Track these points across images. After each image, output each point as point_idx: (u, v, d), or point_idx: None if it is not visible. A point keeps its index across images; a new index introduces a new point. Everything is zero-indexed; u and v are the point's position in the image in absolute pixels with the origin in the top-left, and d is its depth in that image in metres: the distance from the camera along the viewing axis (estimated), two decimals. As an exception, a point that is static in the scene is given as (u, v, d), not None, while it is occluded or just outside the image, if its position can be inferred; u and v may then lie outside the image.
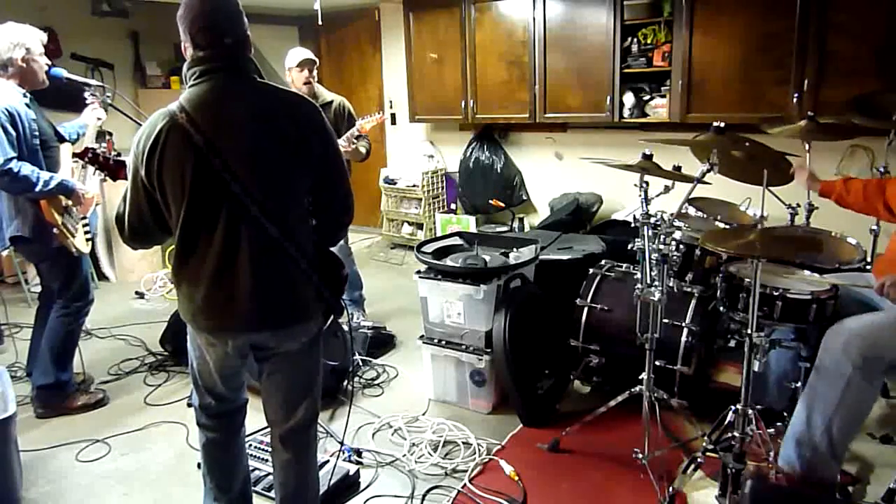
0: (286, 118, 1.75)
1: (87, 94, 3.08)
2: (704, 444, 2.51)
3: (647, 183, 2.58)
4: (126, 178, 2.19)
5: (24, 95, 2.83)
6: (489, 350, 2.99)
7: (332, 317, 1.99)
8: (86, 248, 3.07)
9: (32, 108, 2.86)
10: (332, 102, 3.83)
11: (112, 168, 2.33)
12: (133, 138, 1.76)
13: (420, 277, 3.19)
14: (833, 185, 2.72)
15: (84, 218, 3.07)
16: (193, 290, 1.78)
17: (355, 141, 3.71)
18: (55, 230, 2.88)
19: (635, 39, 4.56)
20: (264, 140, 1.73)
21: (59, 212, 2.90)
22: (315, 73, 3.77)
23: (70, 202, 2.98)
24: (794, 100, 3.97)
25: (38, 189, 2.77)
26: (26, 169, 2.73)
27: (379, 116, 3.81)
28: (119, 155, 2.39)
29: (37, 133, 2.84)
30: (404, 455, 2.74)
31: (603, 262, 3.31)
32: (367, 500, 2.49)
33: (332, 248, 1.99)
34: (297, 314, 1.85)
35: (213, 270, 1.74)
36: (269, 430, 2.07)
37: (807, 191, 2.89)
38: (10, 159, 2.67)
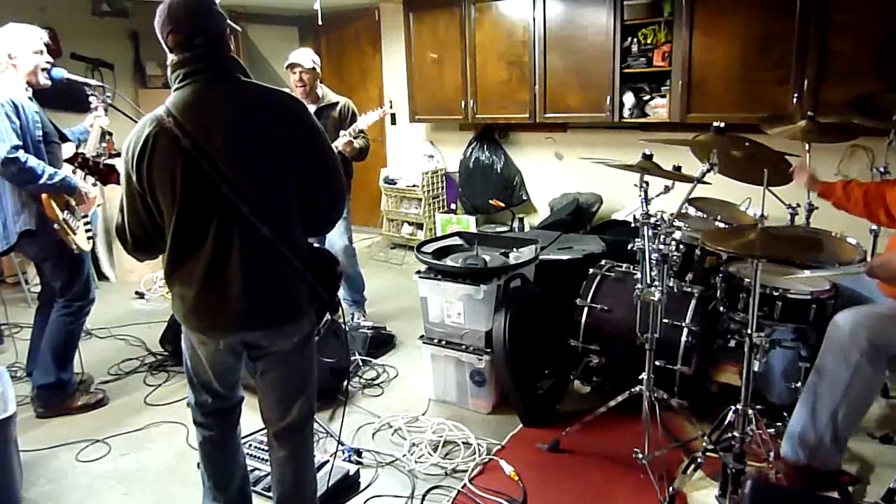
0: (271, 116, 1.75)
1: (91, 100, 3.08)
2: (704, 444, 2.51)
3: (647, 183, 2.58)
4: (116, 182, 2.19)
5: (27, 90, 2.85)
6: (489, 350, 2.99)
7: (326, 315, 1.98)
8: (87, 246, 3.07)
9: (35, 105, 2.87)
10: (337, 104, 3.83)
11: (102, 172, 2.33)
12: (123, 145, 1.77)
13: (420, 277, 3.19)
14: (833, 188, 2.71)
15: (85, 216, 3.08)
16: (185, 290, 1.78)
17: (353, 139, 3.68)
18: (55, 226, 2.89)
19: (635, 39, 4.56)
20: (251, 140, 1.72)
21: (61, 208, 2.92)
22: (308, 75, 3.74)
23: (73, 200, 2.99)
24: (794, 100, 3.97)
25: (41, 182, 2.78)
26: (33, 161, 2.75)
27: (380, 111, 3.80)
28: (117, 155, 2.39)
29: (39, 126, 2.86)
30: (404, 455, 2.74)
31: (603, 262, 3.31)
32: (367, 500, 2.49)
33: (336, 249, 1.99)
34: (289, 314, 1.86)
35: (205, 271, 1.74)
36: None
37: (806, 191, 2.90)
38: (17, 147, 2.69)
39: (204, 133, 1.68)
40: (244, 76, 1.80)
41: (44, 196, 2.85)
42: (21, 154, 2.70)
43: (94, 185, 2.58)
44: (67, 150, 3.06)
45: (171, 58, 1.75)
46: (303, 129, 1.80)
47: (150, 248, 1.86)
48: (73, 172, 2.98)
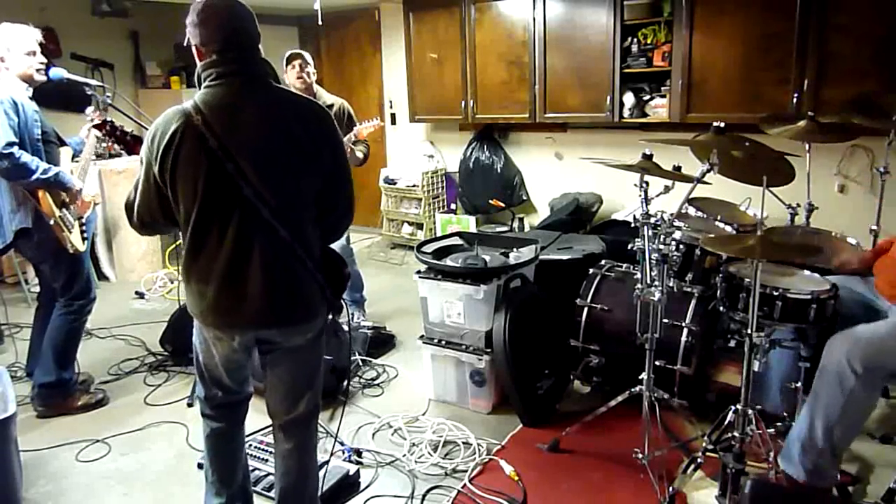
0: (299, 124, 1.78)
1: (87, 111, 3.07)
2: (704, 444, 2.51)
3: (647, 183, 2.57)
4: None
5: (28, 89, 2.86)
6: (489, 350, 2.99)
7: (332, 315, 2.01)
8: (81, 247, 3.07)
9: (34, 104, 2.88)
10: (332, 106, 3.82)
11: (129, 143, 2.32)
12: (147, 134, 1.78)
13: (420, 277, 3.19)
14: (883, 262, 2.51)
15: (80, 218, 3.08)
16: (204, 287, 1.80)
17: (352, 146, 3.72)
18: (52, 221, 2.89)
19: (635, 39, 4.56)
20: (277, 145, 1.75)
21: (57, 205, 2.92)
22: (309, 69, 3.73)
23: (67, 198, 2.99)
24: (794, 100, 3.97)
25: (35, 177, 2.78)
26: (26, 157, 2.76)
27: (377, 122, 3.82)
28: (118, 155, 2.39)
29: (38, 124, 2.87)
30: (404, 455, 2.74)
31: (603, 262, 3.31)
32: (367, 500, 2.49)
33: (335, 249, 2.01)
34: (305, 312, 1.89)
35: (225, 270, 1.76)
36: (268, 430, 2.08)
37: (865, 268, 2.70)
38: (12, 143, 2.69)
39: (232, 135, 1.70)
40: (275, 81, 1.83)
41: (40, 193, 2.86)
42: (15, 150, 2.70)
43: (119, 155, 2.60)
44: (66, 154, 3.08)
45: (205, 55, 1.77)
46: (328, 139, 1.85)
47: (153, 229, 1.93)
48: (101, 137, 2.97)
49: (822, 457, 2.24)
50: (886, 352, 2.18)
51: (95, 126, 2.32)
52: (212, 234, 1.75)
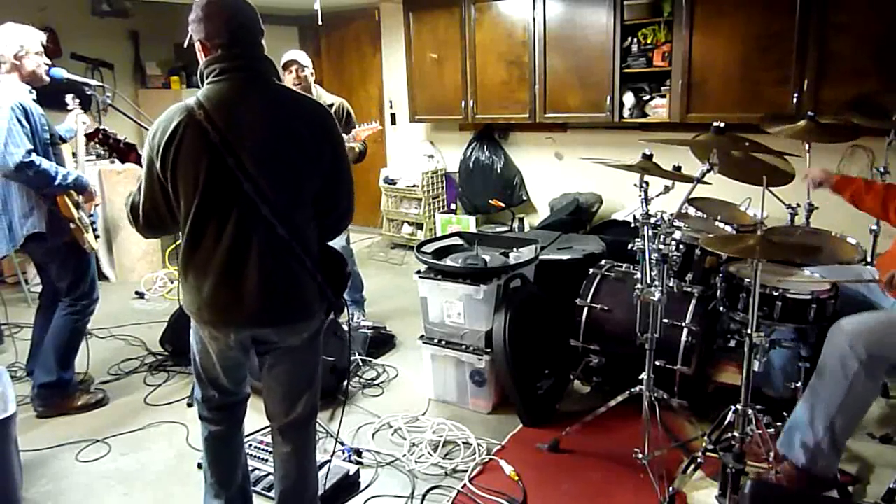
0: (301, 122, 1.79)
1: (68, 100, 3.06)
2: (704, 444, 2.51)
3: (647, 183, 2.58)
4: (135, 162, 2.22)
5: (31, 91, 2.86)
6: (489, 350, 2.99)
7: (332, 314, 2.01)
8: (96, 245, 3.09)
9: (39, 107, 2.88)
10: (331, 105, 3.82)
11: (122, 150, 2.32)
12: (149, 130, 1.79)
13: (420, 277, 3.19)
14: (850, 182, 2.68)
15: (92, 216, 3.09)
16: (200, 283, 1.80)
17: (351, 142, 3.73)
18: (72, 225, 2.90)
19: (635, 39, 4.56)
20: (279, 142, 1.75)
21: (75, 207, 2.93)
22: (306, 72, 3.73)
23: (82, 198, 3.00)
24: (794, 100, 3.97)
25: (56, 183, 2.79)
26: (45, 163, 2.76)
27: (376, 126, 3.83)
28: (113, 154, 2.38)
29: (46, 128, 2.87)
30: (404, 455, 2.74)
31: (603, 262, 3.31)
32: (367, 500, 2.49)
33: (335, 249, 2.01)
34: (302, 311, 1.88)
35: (222, 266, 1.76)
36: (268, 429, 2.07)
37: (816, 186, 2.84)
38: (31, 151, 2.70)
39: (234, 130, 1.70)
40: (277, 79, 1.84)
41: (59, 197, 2.87)
42: (35, 157, 2.71)
43: (112, 162, 2.60)
44: (66, 151, 3.08)
45: (207, 53, 1.77)
46: (330, 140, 1.85)
47: (161, 229, 1.92)
48: (92, 146, 2.96)
49: (821, 448, 2.24)
50: (890, 340, 2.17)
51: (87, 136, 2.32)
52: (210, 229, 1.75)
